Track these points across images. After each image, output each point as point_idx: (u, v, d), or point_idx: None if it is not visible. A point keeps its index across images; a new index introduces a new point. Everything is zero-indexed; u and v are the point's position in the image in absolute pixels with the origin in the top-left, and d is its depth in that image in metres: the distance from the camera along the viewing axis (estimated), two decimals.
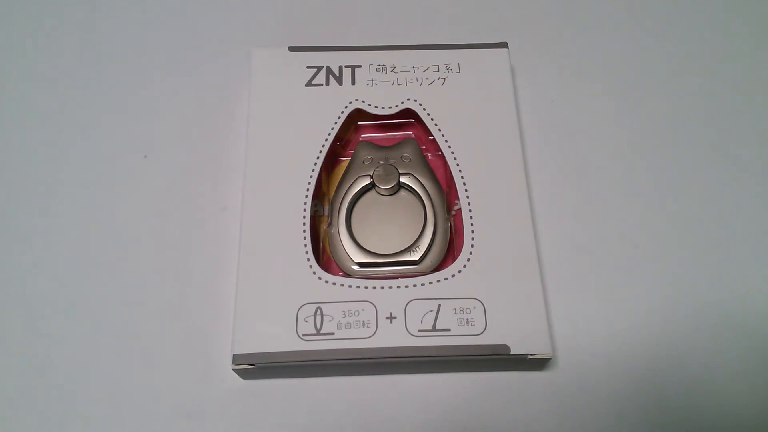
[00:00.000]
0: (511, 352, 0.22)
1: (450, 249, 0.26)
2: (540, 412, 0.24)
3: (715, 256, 0.27)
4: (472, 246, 0.24)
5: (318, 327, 0.23)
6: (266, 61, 0.28)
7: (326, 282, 0.24)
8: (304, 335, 0.23)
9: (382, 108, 0.27)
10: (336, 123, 0.27)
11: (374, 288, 0.23)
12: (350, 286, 0.23)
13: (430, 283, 0.23)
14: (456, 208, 0.26)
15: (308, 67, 0.28)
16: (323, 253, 0.26)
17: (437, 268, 0.25)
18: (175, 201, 0.28)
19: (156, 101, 0.30)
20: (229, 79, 0.31)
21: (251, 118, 0.27)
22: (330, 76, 0.28)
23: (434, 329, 0.23)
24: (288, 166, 0.26)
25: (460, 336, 0.23)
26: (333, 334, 0.23)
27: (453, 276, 0.24)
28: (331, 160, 0.28)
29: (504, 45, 0.28)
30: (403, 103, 0.27)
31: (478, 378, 0.24)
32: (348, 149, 0.29)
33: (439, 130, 0.27)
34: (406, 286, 0.23)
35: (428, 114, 0.27)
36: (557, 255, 0.27)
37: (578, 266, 0.27)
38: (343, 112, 0.27)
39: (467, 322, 0.23)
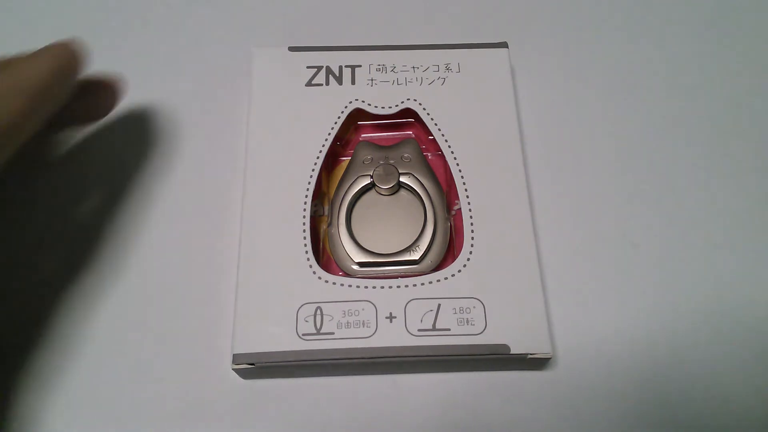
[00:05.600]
0: (511, 352, 0.22)
1: (450, 249, 0.26)
2: (540, 412, 0.24)
3: (715, 255, 0.27)
4: (472, 245, 0.24)
5: (318, 327, 0.23)
6: (266, 61, 0.28)
7: (326, 282, 0.24)
8: (304, 335, 0.23)
9: (382, 108, 0.27)
10: (336, 123, 0.27)
11: (374, 288, 0.23)
12: (350, 286, 0.23)
13: (430, 282, 0.23)
14: (456, 207, 0.26)
15: (308, 67, 0.28)
16: (323, 253, 0.26)
17: (437, 267, 0.25)
18: (175, 200, 0.28)
19: (156, 100, 0.30)
20: (230, 79, 0.31)
21: (251, 118, 0.27)
22: (330, 75, 0.28)
23: (434, 329, 0.23)
24: (288, 166, 0.26)
25: (460, 336, 0.23)
26: (333, 333, 0.23)
27: (453, 276, 0.24)
28: (331, 159, 0.28)
29: (504, 45, 0.28)
30: (403, 102, 0.27)
31: (478, 378, 0.24)
32: (348, 149, 0.29)
33: (439, 129, 0.27)
34: (406, 286, 0.23)
35: (428, 114, 0.27)
36: (557, 254, 0.27)
37: (578, 265, 0.26)
38: (343, 112, 0.27)
39: (467, 321, 0.23)
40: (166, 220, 0.28)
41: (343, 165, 0.28)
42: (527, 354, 0.22)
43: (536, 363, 0.25)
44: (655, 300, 0.26)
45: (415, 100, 0.27)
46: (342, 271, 0.25)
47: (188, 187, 0.28)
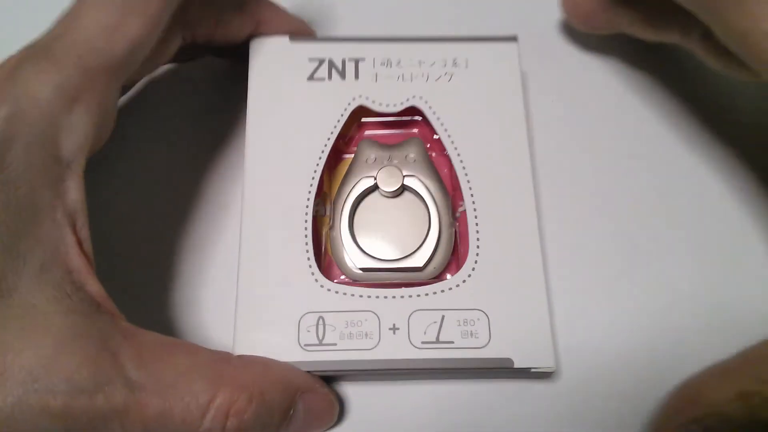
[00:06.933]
0: (515, 366, 0.22)
1: (455, 254, 0.25)
2: (543, 423, 0.24)
3: (726, 272, 0.26)
4: (477, 254, 0.24)
5: (320, 337, 0.22)
6: (266, 51, 0.27)
7: (328, 290, 0.23)
8: (306, 345, 0.22)
9: (387, 106, 0.26)
10: (339, 121, 0.26)
11: (377, 297, 0.23)
12: (353, 295, 0.23)
13: (434, 293, 0.23)
14: (461, 209, 0.26)
15: (310, 60, 0.27)
16: (325, 256, 0.26)
17: (440, 273, 0.25)
18: (174, 201, 0.27)
19: (151, 94, 0.29)
20: (227, 70, 0.30)
21: (250, 114, 0.26)
22: (333, 69, 0.27)
23: (438, 341, 0.22)
24: (289, 167, 0.25)
25: (463, 349, 0.22)
26: (335, 344, 0.22)
27: (457, 286, 0.23)
28: (333, 156, 0.27)
29: (513, 38, 0.27)
30: (408, 100, 0.26)
31: (481, 388, 0.24)
32: (350, 146, 0.28)
33: (446, 130, 0.26)
34: (410, 296, 0.23)
35: (434, 113, 0.26)
36: (563, 264, 0.26)
37: (584, 276, 0.26)
38: (346, 110, 0.26)
39: (471, 334, 0.23)
40: (161, 224, 0.27)
41: (345, 162, 0.27)
42: (530, 368, 0.22)
43: (540, 374, 0.25)
44: (661, 314, 0.25)
45: (420, 98, 0.26)
46: (343, 274, 0.25)
47: (186, 186, 0.28)
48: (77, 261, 0.19)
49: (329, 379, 0.24)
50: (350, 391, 0.24)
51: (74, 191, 0.19)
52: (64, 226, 0.19)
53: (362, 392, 0.24)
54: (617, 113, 0.30)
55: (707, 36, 0.24)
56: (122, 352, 0.18)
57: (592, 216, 0.27)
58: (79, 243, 0.19)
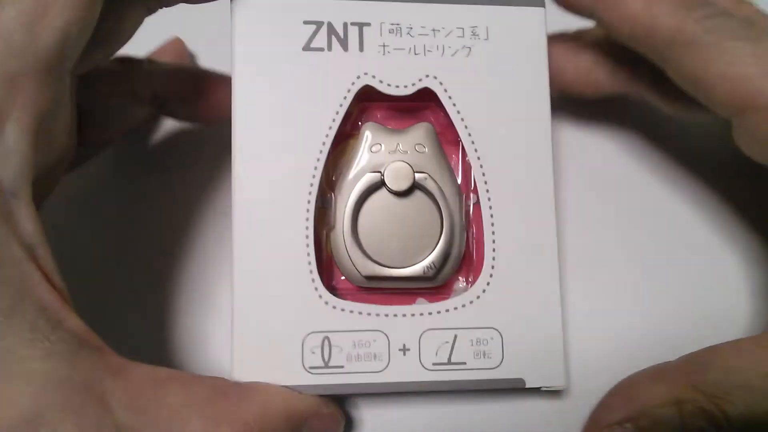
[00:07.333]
0: (526, 386, 0.22)
1: (465, 257, 0.24)
2: None
3: (739, 292, 0.26)
4: (492, 267, 0.22)
5: (326, 359, 0.21)
6: (251, 10, 0.22)
7: (334, 307, 0.21)
8: (311, 368, 0.21)
9: (397, 87, 0.23)
10: (341, 105, 0.22)
11: (386, 315, 0.21)
12: (360, 313, 0.21)
13: (447, 310, 0.22)
14: (471, 202, 0.24)
15: (305, 23, 0.22)
16: (325, 258, 0.23)
17: (449, 280, 0.23)
18: (173, 206, 0.24)
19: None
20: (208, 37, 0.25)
21: (235, 95, 0.22)
22: (333, 37, 0.22)
23: (449, 362, 0.21)
24: (285, 163, 0.22)
25: (476, 370, 0.22)
26: (342, 367, 0.21)
27: (471, 302, 0.22)
28: (333, 144, 0.23)
29: (540, 3, 0.24)
30: (420, 80, 0.23)
31: (490, 405, 0.24)
32: (352, 129, 0.24)
33: (462, 119, 0.23)
34: (421, 314, 0.22)
35: (450, 97, 0.23)
36: (572, 277, 0.25)
37: (593, 289, 0.25)
38: (350, 91, 0.22)
39: (484, 354, 0.22)
40: (147, 232, 0.24)
41: (345, 147, 0.24)
42: (541, 387, 0.22)
43: (550, 393, 0.24)
44: (669, 332, 0.25)
45: (435, 78, 0.23)
46: (344, 277, 0.23)
47: (186, 191, 0.24)
48: (48, 297, 0.17)
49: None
50: (357, 414, 0.24)
51: (27, 223, 0.17)
52: (25, 261, 0.17)
53: (369, 415, 0.24)
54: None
55: (657, 81, 0.24)
56: (111, 395, 0.17)
57: (598, 230, 0.26)
58: (47, 277, 0.17)
